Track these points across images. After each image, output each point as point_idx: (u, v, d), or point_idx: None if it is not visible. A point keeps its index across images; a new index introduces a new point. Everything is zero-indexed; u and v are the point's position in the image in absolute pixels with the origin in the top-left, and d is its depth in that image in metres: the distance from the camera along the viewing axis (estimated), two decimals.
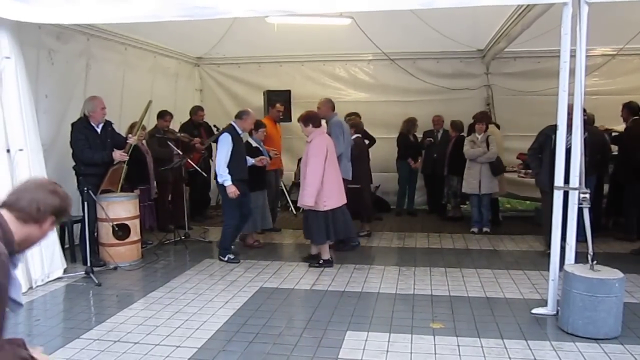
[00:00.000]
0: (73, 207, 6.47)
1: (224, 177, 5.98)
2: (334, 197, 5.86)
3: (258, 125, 6.78)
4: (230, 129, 6.17)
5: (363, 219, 7.52)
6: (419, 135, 9.08)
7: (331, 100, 6.91)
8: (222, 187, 6.08)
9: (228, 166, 5.99)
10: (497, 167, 7.61)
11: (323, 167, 5.73)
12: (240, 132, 6.23)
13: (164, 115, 7.69)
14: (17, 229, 1.96)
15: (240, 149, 6.17)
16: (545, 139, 6.09)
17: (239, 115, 6.31)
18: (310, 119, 6.00)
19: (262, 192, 6.85)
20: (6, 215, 1.96)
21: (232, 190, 5.98)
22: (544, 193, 6.22)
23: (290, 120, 8.94)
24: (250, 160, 6.46)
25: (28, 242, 2.05)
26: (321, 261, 6.00)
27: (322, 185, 5.73)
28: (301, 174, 5.96)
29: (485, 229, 7.69)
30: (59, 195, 2.08)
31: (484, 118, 7.80)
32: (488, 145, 7.54)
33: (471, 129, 8.94)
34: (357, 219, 7.25)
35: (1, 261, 1.79)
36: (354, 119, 7.70)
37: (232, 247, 6.38)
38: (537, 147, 6.31)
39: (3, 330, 1.85)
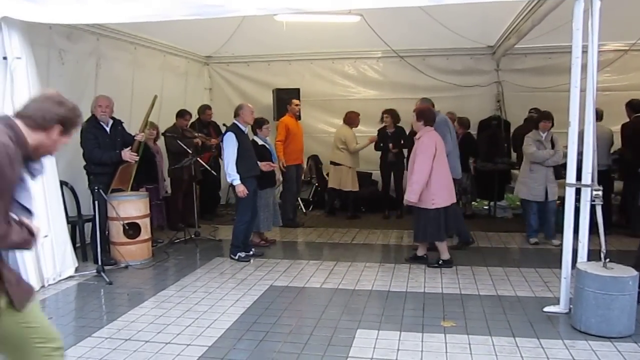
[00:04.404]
0: (84, 207, 6.49)
1: (232, 176, 5.98)
2: (443, 196, 5.67)
3: (260, 122, 6.69)
4: (233, 127, 6.17)
5: None
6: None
7: (429, 99, 6.77)
8: (233, 186, 6.10)
9: (237, 165, 5.99)
10: (559, 169, 6.58)
11: (430, 164, 5.56)
12: (244, 129, 6.22)
13: (183, 114, 7.74)
14: (28, 135, 2.14)
15: (246, 146, 6.15)
16: None
17: (236, 113, 6.27)
18: (424, 115, 5.78)
19: (271, 189, 6.83)
20: (18, 122, 2.14)
21: (241, 190, 5.98)
22: None
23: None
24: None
25: (41, 150, 2.21)
26: (440, 261, 5.83)
27: (431, 183, 5.57)
28: (408, 171, 5.82)
29: (555, 242, 6.54)
30: (65, 105, 2.23)
31: (550, 115, 6.69)
32: (553, 146, 6.62)
33: (482, 127, 8.93)
34: None
35: (8, 153, 1.97)
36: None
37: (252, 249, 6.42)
38: None
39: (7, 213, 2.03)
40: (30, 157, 2.14)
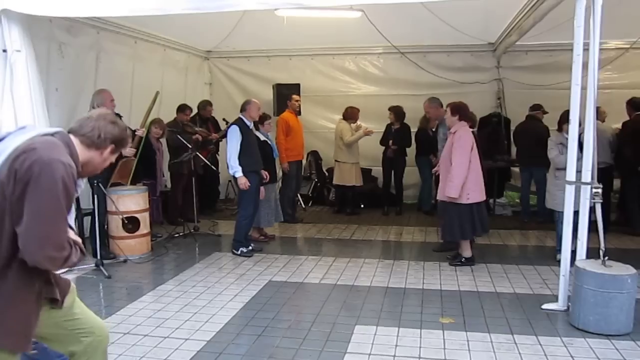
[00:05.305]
0: (83, 201, 6.45)
1: (234, 168, 5.99)
2: (477, 191, 5.56)
3: (262, 117, 6.73)
4: (238, 121, 6.18)
5: None
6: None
7: (437, 99, 6.74)
8: (235, 179, 6.11)
9: (239, 158, 5.99)
10: None
11: (469, 158, 5.45)
12: (249, 124, 6.23)
13: (184, 109, 7.74)
14: (81, 152, 2.17)
15: (250, 141, 6.16)
16: None
17: (243, 107, 6.29)
18: (460, 110, 5.69)
19: (272, 185, 6.82)
20: (73, 139, 2.17)
21: (243, 182, 5.99)
22: None
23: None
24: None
25: (89, 167, 2.25)
26: (463, 259, 5.74)
27: (467, 178, 5.45)
28: (442, 166, 5.70)
29: None
30: (119, 125, 2.28)
31: None
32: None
33: (482, 124, 8.90)
34: None
35: (72, 174, 2.01)
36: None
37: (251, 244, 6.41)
38: None
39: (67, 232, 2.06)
40: (78, 174, 2.14)
